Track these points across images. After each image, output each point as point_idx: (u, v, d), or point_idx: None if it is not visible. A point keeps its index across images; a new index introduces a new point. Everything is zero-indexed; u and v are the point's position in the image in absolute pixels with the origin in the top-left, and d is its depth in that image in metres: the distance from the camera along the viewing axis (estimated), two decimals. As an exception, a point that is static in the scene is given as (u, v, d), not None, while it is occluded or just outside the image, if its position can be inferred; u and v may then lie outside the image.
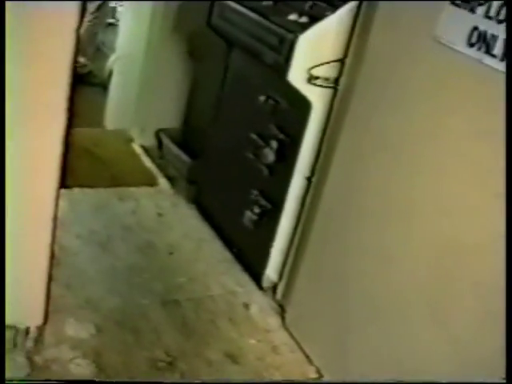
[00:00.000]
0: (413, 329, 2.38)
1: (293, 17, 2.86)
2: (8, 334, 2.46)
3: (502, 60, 2.01)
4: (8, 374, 2.33)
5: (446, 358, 2.21)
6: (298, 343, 2.95)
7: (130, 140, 4.54)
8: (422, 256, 2.34)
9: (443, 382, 1.93)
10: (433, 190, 2.30)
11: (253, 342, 2.92)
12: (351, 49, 2.72)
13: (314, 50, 2.76)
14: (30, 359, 2.47)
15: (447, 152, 2.25)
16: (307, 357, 2.87)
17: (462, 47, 2.14)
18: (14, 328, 2.49)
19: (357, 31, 2.70)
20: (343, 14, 2.70)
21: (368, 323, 2.58)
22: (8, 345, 2.45)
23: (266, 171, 3.13)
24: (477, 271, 2.14)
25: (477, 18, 2.10)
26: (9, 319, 2.44)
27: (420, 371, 2.29)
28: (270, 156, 3.08)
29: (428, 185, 2.33)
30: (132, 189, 3.97)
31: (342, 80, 2.77)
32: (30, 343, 2.52)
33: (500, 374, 1.57)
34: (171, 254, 3.40)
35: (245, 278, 3.35)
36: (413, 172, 2.38)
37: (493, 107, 2.07)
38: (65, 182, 2.38)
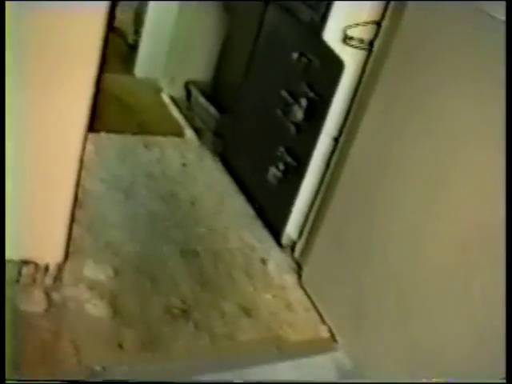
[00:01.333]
0: (431, 309, 2.37)
1: (332, -24, 2.84)
2: (28, 269, 2.49)
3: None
4: (25, 307, 2.39)
5: (463, 341, 2.20)
6: (312, 302, 2.96)
7: (159, 89, 4.55)
8: (446, 233, 2.32)
9: (444, 382, 1.94)
10: (463, 166, 2.27)
11: (268, 297, 2.94)
12: (388, 12, 2.70)
13: (351, 10, 2.74)
14: (47, 295, 2.50)
15: (481, 124, 2.22)
16: (320, 316, 2.89)
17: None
18: (34, 264, 2.52)
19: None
20: (383, -24, 2.68)
21: (385, 293, 2.57)
22: (27, 279, 2.49)
23: (293, 129, 3.13)
24: (499, 251, 2.11)
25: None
26: (29, 254, 2.48)
27: (433, 351, 2.29)
28: (298, 114, 3.07)
29: (458, 159, 2.29)
30: (158, 137, 3.98)
31: (377, 43, 2.75)
32: (48, 280, 2.55)
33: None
34: (193, 204, 3.41)
35: (264, 234, 3.36)
36: (443, 143, 2.35)
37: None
38: (93, 126, 2.38)
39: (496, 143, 2.10)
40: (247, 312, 2.81)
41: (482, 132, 2.20)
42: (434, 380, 2.12)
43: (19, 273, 2.46)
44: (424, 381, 2.12)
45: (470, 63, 2.25)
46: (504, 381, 1.31)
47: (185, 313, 2.68)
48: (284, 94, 3.18)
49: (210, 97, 4.24)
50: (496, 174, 2.11)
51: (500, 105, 2.06)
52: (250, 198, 3.58)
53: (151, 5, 4.54)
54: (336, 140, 2.95)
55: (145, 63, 4.67)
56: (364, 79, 2.80)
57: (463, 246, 2.25)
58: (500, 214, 2.07)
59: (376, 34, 2.75)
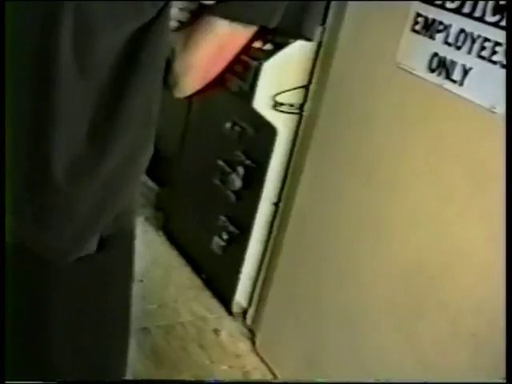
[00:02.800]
0: (384, 348, 2.41)
1: (257, 44, 2.89)
2: None
3: (460, 85, 2.06)
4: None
5: (414, 375, 2.23)
6: (269, 367, 2.96)
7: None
8: (392, 275, 2.37)
9: (444, 382, 1.95)
10: (400, 210, 2.34)
11: (224, 367, 2.93)
12: (315, 75, 2.77)
13: (279, 76, 2.80)
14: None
15: (413, 174, 2.29)
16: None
17: (423, 73, 2.19)
18: None
19: (320, 58, 2.74)
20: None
21: (338, 345, 2.60)
22: None
23: (233, 197, 3.15)
24: (443, 290, 2.18)
25: (437, 45, 2.15)
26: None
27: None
28: (236, 182, 3.10)
29: (395, 205, 2.36)
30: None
31: (307, 106, 2.81)
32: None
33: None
34: (141, 281, 3.39)
35: (214, 304, 3.35)
36: (380, 194, 2.42)
37: (454, 130, 2.12)
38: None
39: (431, 196, 2.18)
40: (205, 385, 2.79)
41: (419, 184, 2.26)
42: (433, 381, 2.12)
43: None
44: (425, 381, 2.12)
45: (402, 119, 2.33)
46: (504, 381, 1.31)
47: (141, 393, 2.65)
48: (221, 163, 3.21)
49: (148, 171, 4.22)
50: (433, 220, 2.20)
51: (435, 159, 2.16)
52: (197, 269, 3.57)
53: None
54: (276, 205, 2.98)
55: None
56: (298, 142, 2.86)
57: (407, 287, 2.31)
58: (440, 254, 2.17)
59: (305, 98, 2.81)
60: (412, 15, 2.23)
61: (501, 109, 1.94)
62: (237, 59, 1.52)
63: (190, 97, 1.61)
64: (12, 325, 1.49)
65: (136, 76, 1.32)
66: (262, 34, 1.50)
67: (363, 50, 2.49)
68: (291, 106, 2.82)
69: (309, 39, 1.63)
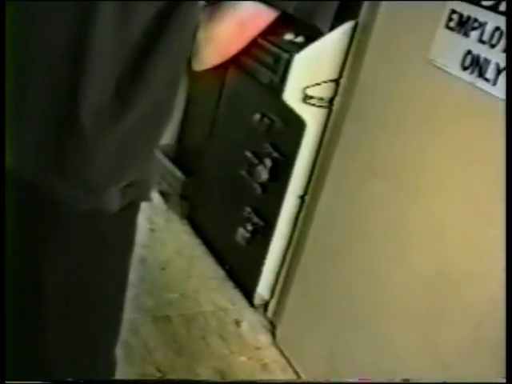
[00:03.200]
0: (402, 352, 2.40)
1: (289, 36, 2.88)
2: None
3: (494, 84, 2.04)
4: None
5: (434, 380, 2.22)
6: (288, 361, 2.95)
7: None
8: (415, 281, 2.35)
9: (445, 382, 1.94)
10: (426, 215, 2.31)
11: (243, 359, 2.93)
12: (346, 70, 2.75)
13: (309, 69, 2.78)
14: None
15: (441, 177, 2.26)
16: (297, 374, 2.88)
17: (456, 70, 2.17)
18: None
19: (352, 52, 2.72)
20: (339, 34, 2.72)
21: (358, 344, 2.59)
22: None
23: (259, 189, 3.15)
24: (468, 298, 2.16)
25: (471, 42, 2.13)
26: None
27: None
28: (263, 174, 3.09)
29: (421, 209, 2.33)
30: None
31: (337, 100, 2.79)
32: None
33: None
34: (163, 269, 3.40)
35: (236, 295, 3.35)
36: (406, 196, 2.40)
37: (486, 131, 2.09)
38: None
39: (459, 202, 2.17)
40: (223, 375, 2.79)
41: (447, 189, 2.24)
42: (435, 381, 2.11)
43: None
44: (425, 381, 2.10)
45: (433, 118, 2.31)
46: (504, 381, 1.30)
47: (160, 381, 2.66)
48: (248, 154, 3.21)
49: (175, 160, 4.25)
50: (460, 225, 2.17)
51: (464, 163, 2.14)
52: (220, 260, 3.58)
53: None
54: (302, 198, 2.97)
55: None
56: (326, 137, 2.84)
57: (430, 292, 2.29)
58: (464, 261, 2.16)
59: (335, 92, 2.80)
60: (447, 12, 2.21)
61: (533, 109, 1.92)
62: (258, 44, 1.75)
63: (208, 71, 1.71)
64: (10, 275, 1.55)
65: (164, 43, 1.41)
66: (284, 22, 1.62)
67: (396, 46, 2.47)
68: (321, 99, 2.80)
69: (319, 29, 1.71)
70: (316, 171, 2.89)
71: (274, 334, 3.10)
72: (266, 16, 1.55)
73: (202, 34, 1.55)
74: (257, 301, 3.27)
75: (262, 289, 3.22)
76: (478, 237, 2.14)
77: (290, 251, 3.06)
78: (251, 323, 3.17)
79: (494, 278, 2.05)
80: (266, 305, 3.25)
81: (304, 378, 2.86)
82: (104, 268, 1.71)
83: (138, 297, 3.12)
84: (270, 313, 3.20)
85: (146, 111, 1.50)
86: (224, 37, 1.58)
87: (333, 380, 2.53)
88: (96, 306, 1.75)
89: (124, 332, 2.81)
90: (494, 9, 2.05)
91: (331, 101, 2.81)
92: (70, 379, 1.59)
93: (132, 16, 1.37)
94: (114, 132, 1.47)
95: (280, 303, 3.11)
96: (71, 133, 1.43)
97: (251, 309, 3.27)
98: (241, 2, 1.52)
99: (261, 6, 1.52)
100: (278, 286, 3.14)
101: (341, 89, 2.77)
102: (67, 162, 1.48)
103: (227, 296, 3.34)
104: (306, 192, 2.96)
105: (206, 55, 1.61)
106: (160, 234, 3.75)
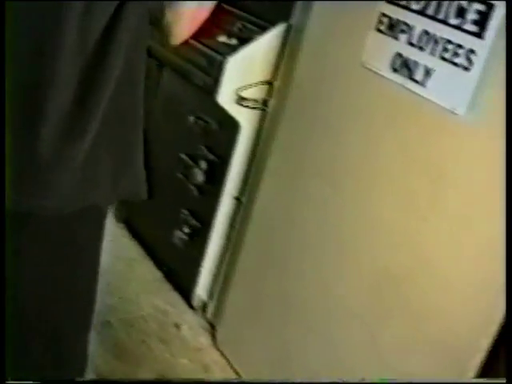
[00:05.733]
0: (346, 350, 2.42)
1: (222, 38, 2.89)
2: None
3: (423, 86, 2.09)
4: None
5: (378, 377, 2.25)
6: (229, 362, 2.97)
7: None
8: (358, 277, 2.37)
9: (444, 381, 1.97)
10: (364, 214, 2.35)
11: (184, 361, 2.93)
12: (280, 72, 2.77)
13: (243, 72, 2.79)
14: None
15: (377, 176, 2.30)
16: (238, 375, 2.89)
17: (387, 73, 2.21)
18: None
19: (286, 55, 2.75)
20: (272, 37, 2.75)
21: (298, 343, 2.62)
22: None
23: (195, 191, 3.15)
24: (407, 296, 2.20)
25: (400, 45, 2.17)
26: None
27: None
28: (199, 176, 3.10)
29: (359, 209, 2.37)
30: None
31: (271, 102, 2.81)
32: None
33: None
34: (102, 274, 3.37)
35: (176, 298, 3.35)
36: (343, 196, 2.43)
37: (417, 132, 2.14)
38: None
39: (396, 202, 2.21)
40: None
41: (383, 189, 2.28)
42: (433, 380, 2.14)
43: None
44: (424, 381, 2.13)
45: (366, 120, 2.35)
46: (504, 381, 1.32)
47: (101, 387, 2.64)
48: (184, 156, 3.21)
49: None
50: (397, 223, 2.22)
51: (390, 143, 2.20)
52: (158, 262, 3.57)
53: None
54: (239, 200, 2.99)
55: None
56: (261, 139, 2.86)
57: (372, 291, 2.32)
58: (404, 261, 2.18)
59: (269, 94, 2.82)
60: (377, 15, 2.25)
61: (462, 111, 1.97)
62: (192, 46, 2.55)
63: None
64: None
65: (119, 42, 1.57)
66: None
67: (329, 48, 2.50)
68: (255, 101, 2.82)
69: None
70: (252, 173, 2.91)
71: (214, 336, 3.11)
72: None
73: (170, 15, 1.89)
74: (196, 302, 3.28)
75: (201, 290, 3.23)
76: (415, 234, 2.18)
77: (228, 253, 3.07)
78: (191, 325, 3.17)
79: (432, 278, 2.10)
80: (205, 306, 3.26)
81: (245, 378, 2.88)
82: (77, 265, 1.91)
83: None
84: (209, 314, 3.21)
85: (109, 118, 1.60)
86: (190, 12, 1.97)
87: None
88: (71, 299, 1.92)
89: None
90: (422, 12, 2.10)
91: (265, 103, 2.83)
92: (69, 379, 1.62)
93: (92, 17, 1.51)
94: (76, 153, 1.57)
95: (219, 304, 3.12)
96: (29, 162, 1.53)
97: (191, 311, 3.27)
98: None
99: None
100: (217, 288, 3.15)
101: (275, 91, 2.79)
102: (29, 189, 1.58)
103: (167, 298, 3.33)
104: (242, 193, 2.97)
105: (178, 30, 1.99)
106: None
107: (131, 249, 3.69)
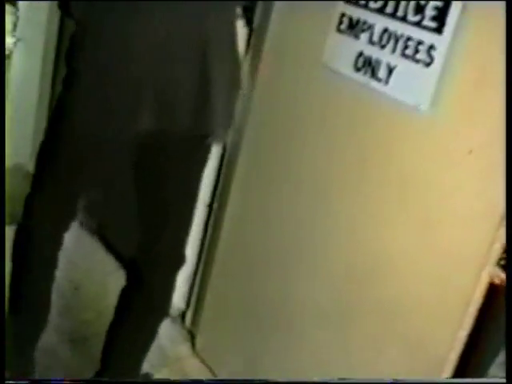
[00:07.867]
0: (319, 348, 2.44)
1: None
2: None
3: (386, 84, 2.10)
4: None
5: (349, 375, 2.26)
6: (210, 369, 2.96)
7: (29, 175, 4.45)
8: (325, 277, 2.41)
9: (444, 381, 1.97)
10: (330, 214, 2.37)
11: (165, 371, 2.91)
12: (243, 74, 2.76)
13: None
14: None
15: (341, 176, 2.32)
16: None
17: (350, 72, 2.22)
18: None
19: (248, 58, 2.74)
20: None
21: (277, 347, 2.62)
22: None
23: (167, 200, 3.13)
24: (373, 294, 2.22)
25: (361, 44, 2.18)
26: None
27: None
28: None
29: (326, 210, 2.39)
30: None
31: (236, 106, 2.80)
32: None
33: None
34: (76, 289, 3.36)
35: (153, 308, 3.32)
36: (309, 198, 2.45)
37: (381, 130, 2.15)
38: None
39: (359, 188, 2.22)
40: (146, 390, 2.77)
41: (347, 182, 2.29)
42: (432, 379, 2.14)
43: None
44: (423, 380, 2.14)
45: (330, 120, 2.36)
46: (504, 380, 1.32)
47: (82, 403, 2.62)
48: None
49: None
50: (360, 223, 2.24)
51: (354, 142, 2.23)
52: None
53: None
54: (210, 207, 2.98)
55: (10, 148, 4.55)
56: (228, 144, 2.85)
57: (340, 290, 2.35)
58: (369, 259, 2.21)
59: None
60: (337, 15, 2.26)
61: (425, 107, 1.98)
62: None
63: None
64: None
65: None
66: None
67: (290, 50, 2.51)
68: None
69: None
70: (221, 180, 2.90)
71: (193, 344, 3.09)
72: None
73: None
74: (173, 311, 3.26)
75: (178, 299, 3.21)
76: (379, 236, 2.19)
77: (203, 260, 3.06)
78: (170, 334, 3.15)
79: (397, 276, 2.11)
80: (183, 315, 3.24)
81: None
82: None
83: (53, 320, 3.06)
84: (187, 322, 3.20)
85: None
86: None
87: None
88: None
89: (41, 355, 2.79)
90: (381, 11, 2.10)
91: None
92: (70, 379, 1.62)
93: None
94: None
95: (197, 312, 3.12)
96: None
97: (169, 319, 3.25)
98: None
99: None
100: (194, 296, 3.14)
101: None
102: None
103: (144, 310, 3.30)
104: (212, 200, 2.96)
105: None
106: (70, 252, 3.69)
107: (105, 262, 3.66)
